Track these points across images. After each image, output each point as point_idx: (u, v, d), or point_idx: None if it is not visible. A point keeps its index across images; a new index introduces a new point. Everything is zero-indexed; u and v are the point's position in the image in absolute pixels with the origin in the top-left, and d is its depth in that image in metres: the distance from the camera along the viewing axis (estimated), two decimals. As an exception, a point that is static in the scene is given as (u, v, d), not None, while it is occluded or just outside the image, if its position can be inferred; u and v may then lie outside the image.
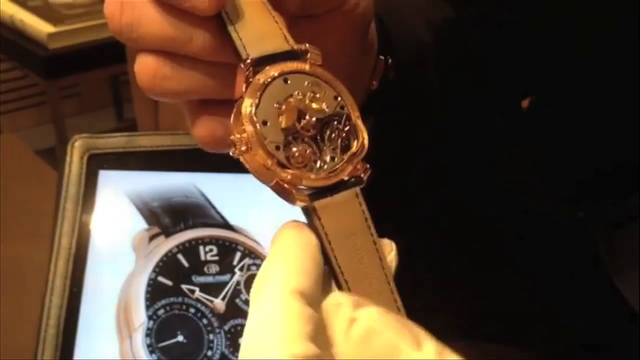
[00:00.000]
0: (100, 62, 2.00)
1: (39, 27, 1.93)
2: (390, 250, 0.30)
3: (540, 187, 0.64)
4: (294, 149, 0.29)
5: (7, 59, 2.27)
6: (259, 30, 0.32)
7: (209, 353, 0.52)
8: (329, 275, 0.28)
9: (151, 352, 0.51)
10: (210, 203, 0.57)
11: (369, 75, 0.47)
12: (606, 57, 0.54)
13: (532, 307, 0.61)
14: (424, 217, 0.62)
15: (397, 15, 0.53)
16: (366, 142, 0.30)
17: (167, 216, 0.56)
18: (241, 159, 0.29)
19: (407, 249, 0.31)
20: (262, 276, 0.27)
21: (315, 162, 0.29)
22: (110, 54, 1.84)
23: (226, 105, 0.34)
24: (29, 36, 1.95)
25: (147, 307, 0.52)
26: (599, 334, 0.62)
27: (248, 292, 0.55)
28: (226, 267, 0.55)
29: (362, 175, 0.30)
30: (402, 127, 0.53)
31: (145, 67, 0.34)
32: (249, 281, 0.55)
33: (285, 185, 0.28)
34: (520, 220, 0.67)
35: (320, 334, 0.25)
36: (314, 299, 0.26)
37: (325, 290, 0.28)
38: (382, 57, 0.47)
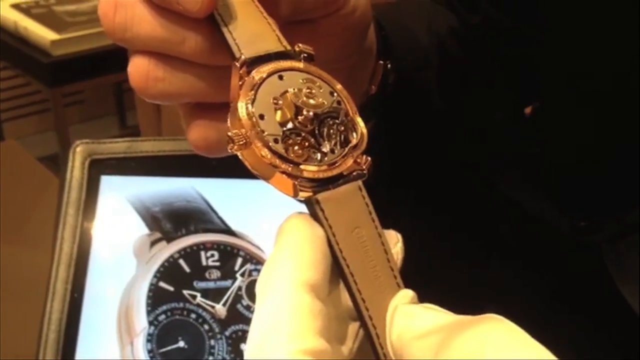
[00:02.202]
0: (104, 69, 2.01)
1: (43, 34, 1.93)
2: (396, 241, 0.29)
3: (542, 198, 0.64)
4: (293, 142, 0.28)
5: (10, 66, 2.27)
6: (252, 31, 0.31)
7: (210, 359, 0.52)
8: (335, 268, 0.27)
9: (152, 358, 0.51)
10: (211, 208, 0.57)
11: (367, 80, 0.47)
12: (609, 64, 0.54)
13: (537, 314, 0.61)
14: (422, 225, 0.62)
15: (398, 22, 0.53)
16: (365, 134, 0.30)
17: (168, 221, 0.55)
18: (240, 156, 0.28)
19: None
20: (270, 268, 0.26)
21: (315, 154, 0.28)
22: (113, 62, 1.84)
23: (220, 109, 0.34)
24: (33, 43, 1.95)
25: (149, 313, 0.52)
26: (603, 337, 0.61)
27: (249, 297, 0.55)
28: (227, 273, 0.55)
29: (364, 168, 0.29)
30: (401, 131, 0.53)
31: (138, 68, 0.34)
32: (251, 287, 0.55)
33: (287, 177, 0.28)
34: (524, 229, 0.66)
35: (328, 329, 0.25)
36: (323, 292, 0.26)
37: (331, 283, 0.27)
38: (381, 62, 0.47)
